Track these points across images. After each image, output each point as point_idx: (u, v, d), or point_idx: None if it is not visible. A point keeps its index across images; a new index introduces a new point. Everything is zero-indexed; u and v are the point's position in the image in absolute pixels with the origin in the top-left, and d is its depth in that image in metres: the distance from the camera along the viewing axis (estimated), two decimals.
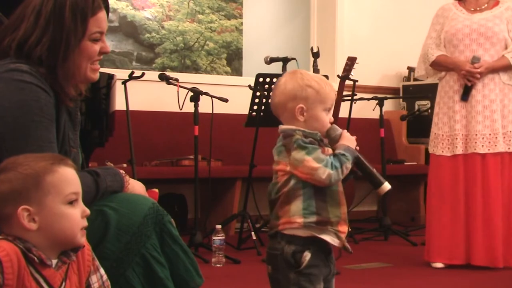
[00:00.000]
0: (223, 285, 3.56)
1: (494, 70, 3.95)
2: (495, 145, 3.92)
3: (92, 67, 2.02)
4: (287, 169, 1.98)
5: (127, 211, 1.93)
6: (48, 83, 1.92)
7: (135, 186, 2.07)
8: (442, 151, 4.02)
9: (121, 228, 1.90)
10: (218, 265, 4.02)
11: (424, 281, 3.72)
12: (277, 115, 2.07)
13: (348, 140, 2.03)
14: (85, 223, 1.59)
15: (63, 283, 1.57)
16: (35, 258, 1.51)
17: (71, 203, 1.56)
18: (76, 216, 1.57)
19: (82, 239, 1.59)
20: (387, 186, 2.06)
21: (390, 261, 4.23)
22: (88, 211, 1.60)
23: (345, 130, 2.06)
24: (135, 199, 1.98)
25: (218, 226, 4.12)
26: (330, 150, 2.01)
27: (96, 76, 2.05)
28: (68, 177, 1.57)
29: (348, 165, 1.97)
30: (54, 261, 1.56)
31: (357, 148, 2.04)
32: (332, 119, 2.06)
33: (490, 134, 3.92)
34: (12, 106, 1.86)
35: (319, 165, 1.93)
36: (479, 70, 3.89)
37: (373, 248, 4.77)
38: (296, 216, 1.96)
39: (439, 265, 3.99)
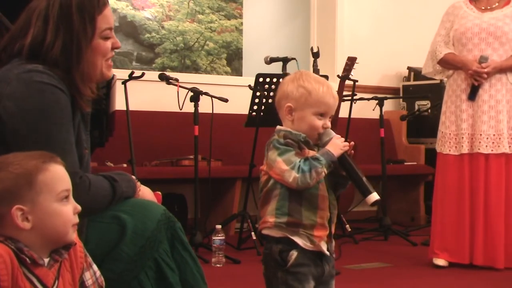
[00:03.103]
0: (223, 285, 3.56)
1: (502, 70, 3.93)
2: (498, 146, 3.91)
3: (106, 64, 2.03)
4: (265, 169, 2.01)
5: (142, 216, 1.95)
6: (65, 84, 1.92)
7: (145, 192, 2.09)
8: (449, 150, 4.01)
9: (137, 232, 1.92)
10: (218, 265, 4.02)
11: (424, 281, 3.72)
12: (277, 112, 2.09)
13: (332, 146, 1.98)
14: (76, 219, 1.59)
15: (56, 281, 1.57)
16: (27, 259, 1.51)
17: (63, 200, 1.56)
18: (69, 213, 1.56)
19: (73, 236, 1.59)
20: (375, 196, 1.98)
21: (390, 261, 4.22)
22: (79, 208, 1.60)
23: (336, 136, 2.02)
24: (147, 205, 2.00)
25: (218, 226, 4.12)
26: (312, 153, 1.99)
27: (111, 72, 2.06)
28: (59, 175, 1.56)
29: (320, 170, 1.93)
30: (46, 260, 1.56)
31: (352, 152, 2.02)
32: (328, 125, 2.02)
33: (494, 135, 3.91)
34: (34, 108, 1.86)
35: (287, 167, 1.93)
36: (486, 70, 3.87)
37: (373, 248, 4.77)
38: (269, 216, 1.99)
39: (442, 262, 3.97)
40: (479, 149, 3.92)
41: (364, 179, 2.01)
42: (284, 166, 1.93)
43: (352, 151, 2.02)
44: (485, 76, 3.89)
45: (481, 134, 3.92)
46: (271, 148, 1.98)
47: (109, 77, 2.06)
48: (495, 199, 3.91)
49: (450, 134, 4.03)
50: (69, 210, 1.57)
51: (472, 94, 3.94)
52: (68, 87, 1.93)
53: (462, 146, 3.96)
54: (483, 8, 4.04)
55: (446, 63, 4.06)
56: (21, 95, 1.86)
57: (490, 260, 3.90)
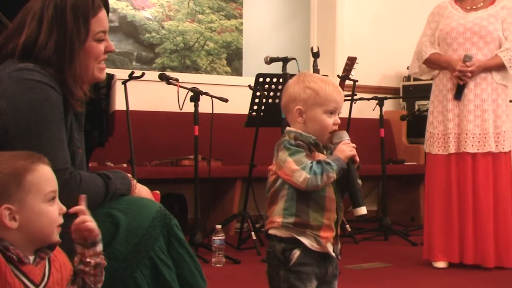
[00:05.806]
0: (223, 285, 3.56)
1: (487, 68, 3.93)
2: (484, 145, 3.91)
3: (99, 67, 2.03)
4: (273, 169, 2.02)
5: (136, 213, 1.94)
6: (56, 83, 1.92)
7: (142, 190, 2.09)
8: (438, 150, 4.03)
9: (130, 230, 1.91)
10: (218, 265, 4.02)
11: (424, 281, 3.72)
12: (285, 116, 2.10)
13: (340, 151, 2.01)
14: (61, 220, 1.59)
15: (45, 278, 1.58)
16: (14, 257, 1.52)
17: (50, 201, 1.57)
18: (55, 214, 1.57)
19: (57, 236, 1.59)
20: (363, 210, 2.03)
21: (390, 261, 4.23)
22: (64, 209, 1.60)
23: (345, 140, 2.03)
24: (142, 202, 2.00)
25: (218, 226, 4.12)
26: (321, 156, 2.01)
27: (103, 75, 2.06)
28: (47, 176, 1.57)
29: (331, 174, 1.96)
30: (31, 258, 1.56)
31: (357, 159, 2.03)
32: (338, 121, 2.04)
33: (480, 134, 3.91)
34: (24, 106, 1.86)
35: (297, 167, 1.94)
36: (470, 68, 3.88)
37: (373, 248, 4.78)
38: (277, 216, 2.00)
39: (442, 264, 3.98)
40: (465, 148, 3.93)
41: (359, 190, 2.04)
42: (294, 166, 1.95)
43: (358, 159, 2.03)
44: (469, 75, 3.89)
45: (467, 134, 3.93)
46: (281, 149, 1.99)
47: (101, 79, 2.06)
48: (484, 198, 3.91)
49: (438, 134, 4.04)
50: (55, 211, 1.58)
51: (458, 94, 3.95)
52: (60, 86, 1.93)
53: (449, 145, 3.97)
54: (468, 8, 4.06)
55: (432, 63, 4.07)
56: (11, 93, 1.87)
57: (480, 259, 3.91)
